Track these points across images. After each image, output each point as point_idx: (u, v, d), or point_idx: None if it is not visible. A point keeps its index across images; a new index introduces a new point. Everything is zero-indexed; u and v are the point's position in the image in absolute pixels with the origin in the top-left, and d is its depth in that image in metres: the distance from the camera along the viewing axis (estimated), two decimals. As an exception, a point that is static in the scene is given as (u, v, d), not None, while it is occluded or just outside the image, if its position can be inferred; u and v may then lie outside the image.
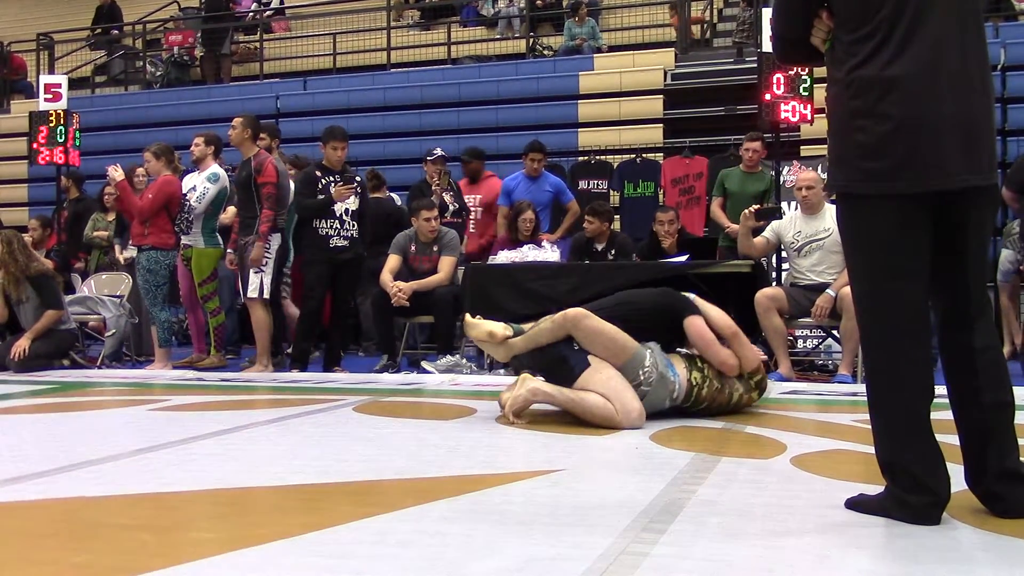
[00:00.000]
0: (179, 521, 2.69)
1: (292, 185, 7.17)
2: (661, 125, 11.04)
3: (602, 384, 4.10)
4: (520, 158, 8.53)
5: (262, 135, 7.20)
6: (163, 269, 7.20)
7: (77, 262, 9.25)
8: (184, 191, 7.25)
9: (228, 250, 6.91)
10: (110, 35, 16.64)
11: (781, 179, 7.87)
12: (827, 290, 6.03)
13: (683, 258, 6.63)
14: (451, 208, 7.93)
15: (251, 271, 6.71)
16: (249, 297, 6.79)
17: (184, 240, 7.22)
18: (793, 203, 7.11)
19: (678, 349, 4.53)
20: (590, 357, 4.20)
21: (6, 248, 7.21)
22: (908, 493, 2.43)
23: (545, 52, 13.11)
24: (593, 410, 4.06)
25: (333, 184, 6.83)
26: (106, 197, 8.92)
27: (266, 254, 6.70)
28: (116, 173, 7.26)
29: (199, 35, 14.84)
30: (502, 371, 6.71)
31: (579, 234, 7.47)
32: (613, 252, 7.19)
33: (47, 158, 8.87)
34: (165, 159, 7.36)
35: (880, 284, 2.47)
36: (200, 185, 7.14)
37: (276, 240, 6.77)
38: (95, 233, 9.06)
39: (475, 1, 14.76)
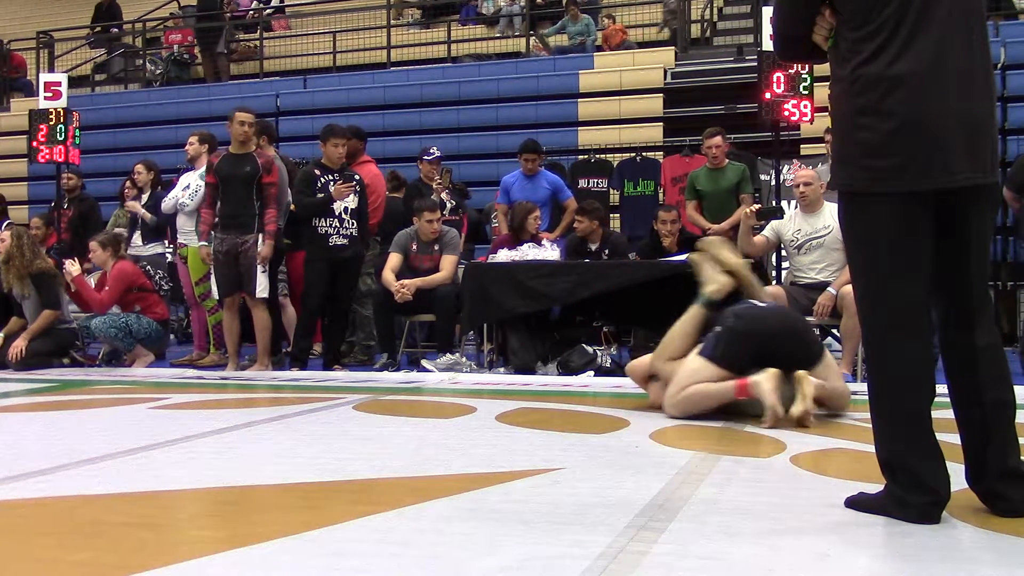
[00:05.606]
0: (179, 519, 2.70)
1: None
2: (661, 124, 11.03)
3: (836, 368, 4.42)
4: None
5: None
6: (144, 328, 7.25)
7: (86, 262, 9.22)
8: (180, 189, 7.32)
9: (202, 243, 6.80)
10: (110, 33, 16.64)
11: (781, 178, 7.86)
12: (828, 288, 6.02)
13: (683, 257, 6.62)
14: (449, 206, 7.91)
15: (259, 270, 6.66)
16: (259, 297, 6.76)
17: (180, 239, 7.25)
18: (793, 202, 7.10)
19: None
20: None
21: (15, 242, 7.24)
22: (908, 492, 2.43)
23: (549, 41, 13.08)
24: (846, 395, 4.32)
25: (332, 183, 6.82)
26: (126, 191, 8.88)
27: None
28: (73, 267, 7.22)
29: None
30: (502, 370, 6.71)
31: (572, 235, 7.46)
32: (607, 252, 7.17)
33: (47, 156, 8.86)
34: (111, 249, 7.37)
35: (882, 282, 2.46)
36: (194, 183, 7.19)
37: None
38: (116, 229, 9.05)
39: (474, -1, 14.78)
